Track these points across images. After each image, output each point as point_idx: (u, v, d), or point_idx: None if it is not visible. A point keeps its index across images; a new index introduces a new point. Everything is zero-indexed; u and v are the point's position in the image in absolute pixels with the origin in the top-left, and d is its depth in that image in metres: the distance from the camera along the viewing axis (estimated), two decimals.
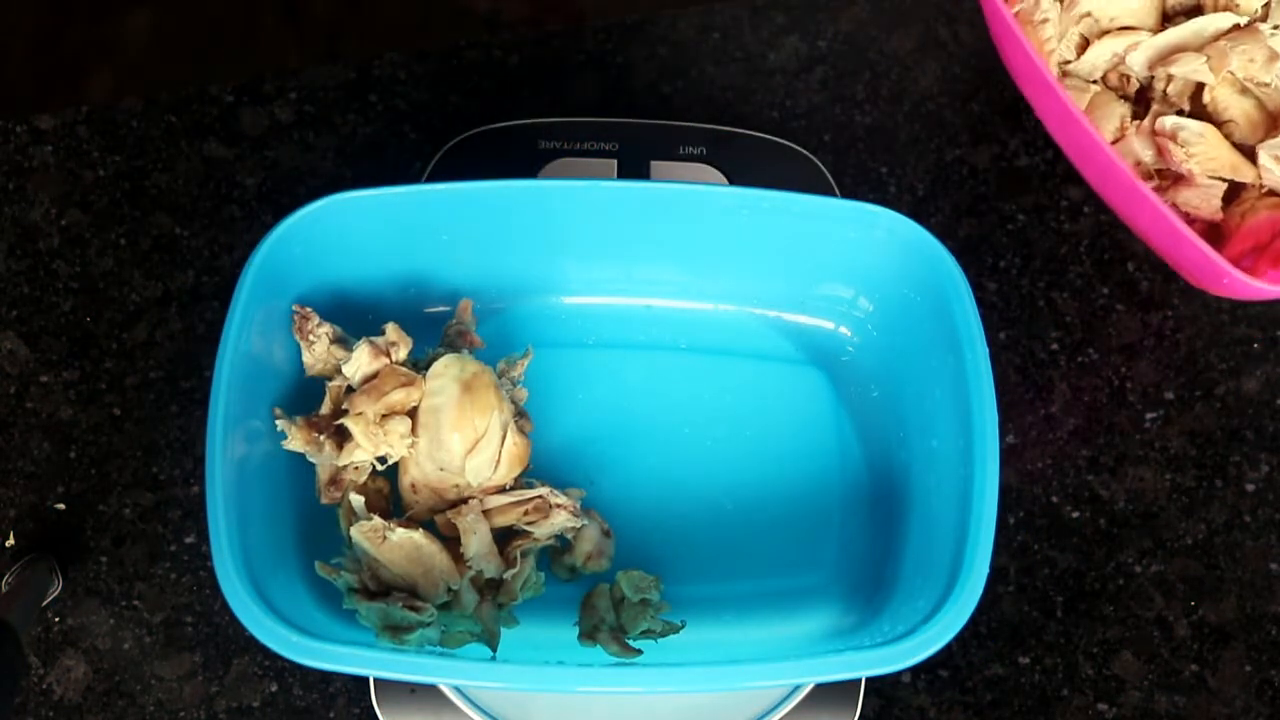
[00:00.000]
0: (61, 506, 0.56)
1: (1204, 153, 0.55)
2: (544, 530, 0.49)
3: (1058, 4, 0.58)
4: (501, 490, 0.49)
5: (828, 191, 0.59)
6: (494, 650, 0.47)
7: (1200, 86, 0.56)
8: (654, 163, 0.59)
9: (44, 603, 0.54)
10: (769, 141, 0.60)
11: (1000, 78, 0.63)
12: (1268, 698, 0.55)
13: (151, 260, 0.59)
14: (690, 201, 0.50)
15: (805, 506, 0.53)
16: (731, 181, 0.59)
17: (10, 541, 0.55)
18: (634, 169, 0.59)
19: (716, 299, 0.56)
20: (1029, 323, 0.60)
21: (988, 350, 0.47)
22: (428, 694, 0.51)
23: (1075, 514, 0.57)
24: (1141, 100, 0.59)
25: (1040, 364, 0.59)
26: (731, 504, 0.53)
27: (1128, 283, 0.60)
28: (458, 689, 0.51)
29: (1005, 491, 0.45)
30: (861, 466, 0.54)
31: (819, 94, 0.63)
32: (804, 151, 0.60)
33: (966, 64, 0.64)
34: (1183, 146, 0.55)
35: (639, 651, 0.47)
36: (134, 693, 0.54)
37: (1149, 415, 0.58)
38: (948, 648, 0.43)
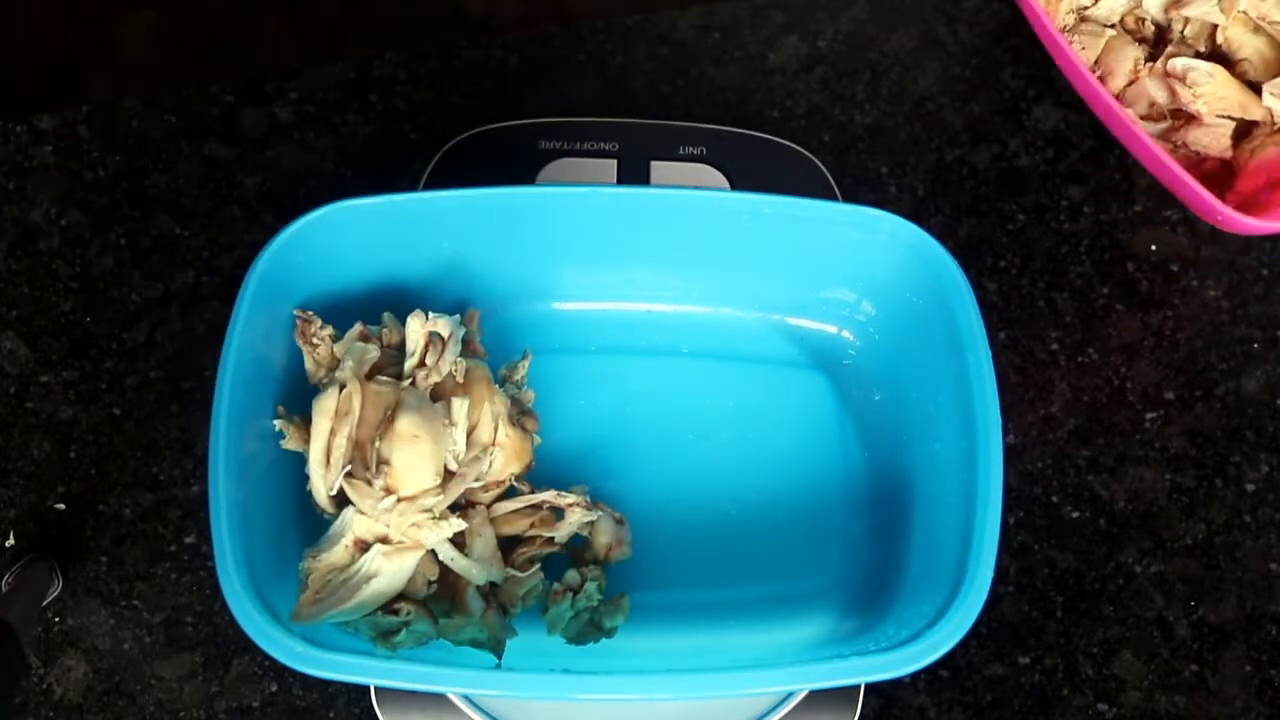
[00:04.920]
0: (61, 506, 0.56)
1: (1212, 92, 0.57)
2: (562, 532, 0.49)
3: None
4: (505, 495, 0.49)
5: (827, 191, 0.59)
6: (499, 658, 0.47)
7: (1216, 26, 0.57)
8: (654, 163, 0.59)
9: (44, 603, 0.54)
10: (769, 141, 0.60)
11: (1001, 78, 0.63)
12: (1268, 698, 0.55)
13: (151, 260, 0.59)
14: (691, 206, 0.50)
15: (808, 511, 0.53)
16: (731, 181, 0.59)
17: (10, 541, 0.55)
18: (634, 169, 0.59)
19: (718, 303, 0.56)
20: (1029, 323, 0.60)
21: (991, 354, 0.47)
22: (428, 694, 0.51)
23: (1075, 514, 0.57)
24: (1161, 43, 0.60)
25: (1040, 364, 0.59)
26: (734, 509, 0.53)
27: (1128, 283, 0.60)
28: None
29: (1005, 492, 0.45)
30: (864, 470, 0.54)
31: (819, 94, 0.63)
32: (804, 151, 0.60)
33: (966, 64, 0.64)
34: (1190, 87, 0.56)
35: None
36: (134, 693, 0.54)
37: (1149, 415, 0.58)
38: None
